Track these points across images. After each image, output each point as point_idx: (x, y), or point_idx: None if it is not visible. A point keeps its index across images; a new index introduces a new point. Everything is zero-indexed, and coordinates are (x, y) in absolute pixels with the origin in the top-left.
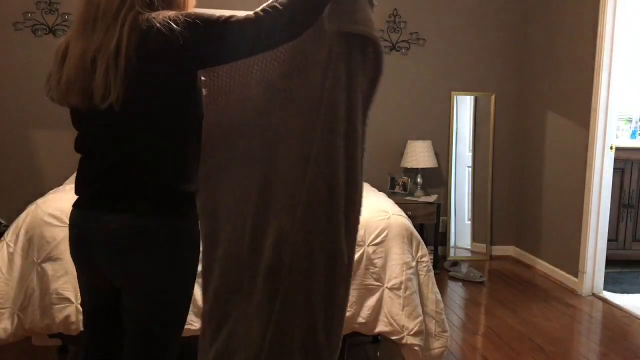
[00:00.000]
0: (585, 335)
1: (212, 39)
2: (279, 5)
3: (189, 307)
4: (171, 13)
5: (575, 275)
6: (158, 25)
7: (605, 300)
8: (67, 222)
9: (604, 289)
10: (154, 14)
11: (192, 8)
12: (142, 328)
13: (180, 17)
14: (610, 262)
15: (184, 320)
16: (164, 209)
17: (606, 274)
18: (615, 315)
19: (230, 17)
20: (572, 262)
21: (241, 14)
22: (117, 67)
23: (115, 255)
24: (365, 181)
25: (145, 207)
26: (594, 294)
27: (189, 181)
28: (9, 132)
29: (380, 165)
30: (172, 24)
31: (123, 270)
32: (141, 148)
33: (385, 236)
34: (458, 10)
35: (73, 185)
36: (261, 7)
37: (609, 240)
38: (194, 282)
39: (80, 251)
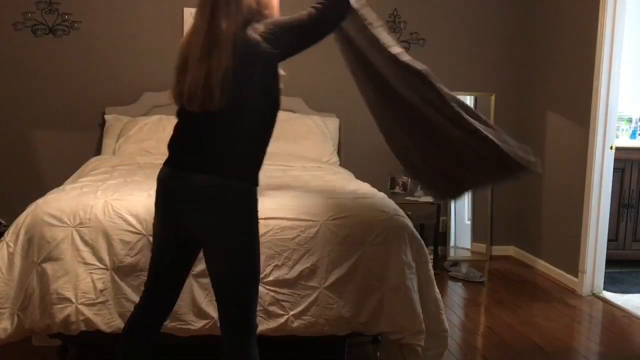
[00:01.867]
0: (585, 335)
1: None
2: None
3: (259, 257)
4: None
5: (575, 275)
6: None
7: (605, 300)
8: (67, 222)
9: (604, 289)
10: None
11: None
12: (225, 273)
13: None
14: (610, 262)
15: (258, 265)
16: (242, 174)
17: (606, 274)
18: (615, 315)
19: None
20: (572, 262)
21: None
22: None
23: (203, 208)
24: (366, 181)
25: (229, 171)
26: (594, 294)
27: (262, 155)
28: (9, 132)
29: (380, 165)
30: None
31: (208, 220)
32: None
33: (385, 236)
34: (458, 10)
35: (73, 185)
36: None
37: (609, 240)
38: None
39: (168, 205)
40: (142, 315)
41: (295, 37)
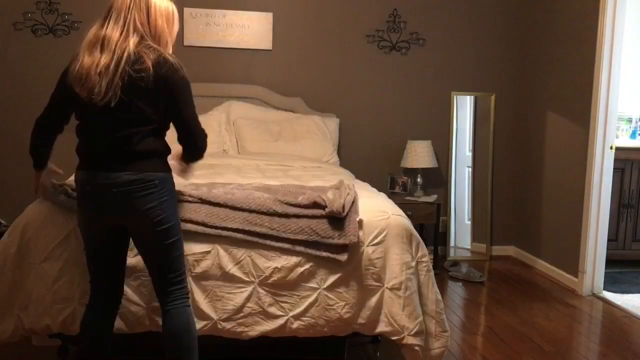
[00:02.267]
0: (585, 335)
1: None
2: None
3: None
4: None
5: (575, 275)
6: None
7: (605, 300)
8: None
9: (604, 289)
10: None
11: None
12: (155, 249)
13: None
14: (610, 262)
15: (181, 238)
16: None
17: (606, 274)
18: (615, 315)
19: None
20: (572, 262)
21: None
22: None
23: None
24: (366, 181)
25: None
26: (594, 294)
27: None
28: (9, 132)
29: (380, 165)
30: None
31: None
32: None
33: (385, 236)
34: (458, 10)
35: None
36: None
37: (609, 240)
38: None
39: (92, 203)
40: (93, 316)
41: None
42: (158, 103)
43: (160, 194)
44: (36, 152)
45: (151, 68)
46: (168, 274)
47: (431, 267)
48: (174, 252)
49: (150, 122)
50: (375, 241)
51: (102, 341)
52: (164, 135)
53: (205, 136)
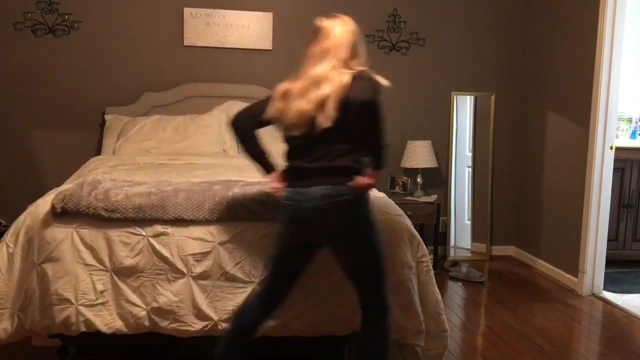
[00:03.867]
0: (585, 335)
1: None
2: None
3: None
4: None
5: (575, 275)
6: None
7: (605, 300)
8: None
9: (604, 289)
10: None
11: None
12: (358, 260)
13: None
14: (610, 262)
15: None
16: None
17: (606, 274)
18: (615, 315)
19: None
20: (572, 262)
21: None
22: None
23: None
24: None
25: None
26: (594, 294)
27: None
28: (9, 132)
29: None
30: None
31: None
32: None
33: (385, 236)
34: (458, 11)
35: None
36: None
37: (609, 240)
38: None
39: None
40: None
41: None
42: None
43: None
44: None
45: None
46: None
47: (431, 267)
48: None
49: None
50: None
51: (247, 334)
52: None
53: None
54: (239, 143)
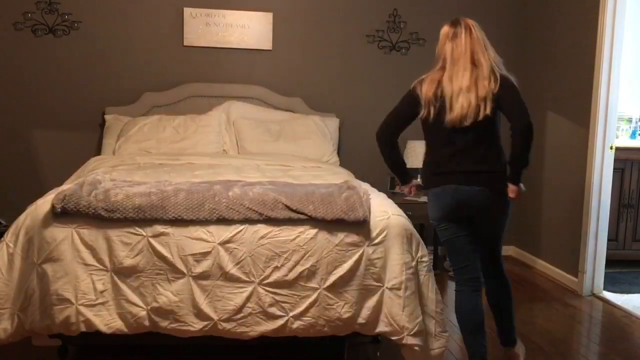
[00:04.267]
0: (585, 335)
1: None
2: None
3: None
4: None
5: (575, 275)
6: None
7: (605, 300)
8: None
9: (604, 289)
10: None
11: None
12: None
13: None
14: (610, 262)
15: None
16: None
17: (606, 274)
18: (615, 315)
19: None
20: (572, 262)
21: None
22: None
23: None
24: (366, 181)
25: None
26: (594, 294)
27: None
28: (9, 132)
29: (380, 165)
30: None
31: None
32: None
33: (385, 236)
34: (458, 11)
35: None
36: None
37: (609, 240)
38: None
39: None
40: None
41: None
42: None
43: None
44: None
45: None
46: None
47: (431, 267)
48: None
49: None
50: (376, 241)
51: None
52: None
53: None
54: (383, 155)
